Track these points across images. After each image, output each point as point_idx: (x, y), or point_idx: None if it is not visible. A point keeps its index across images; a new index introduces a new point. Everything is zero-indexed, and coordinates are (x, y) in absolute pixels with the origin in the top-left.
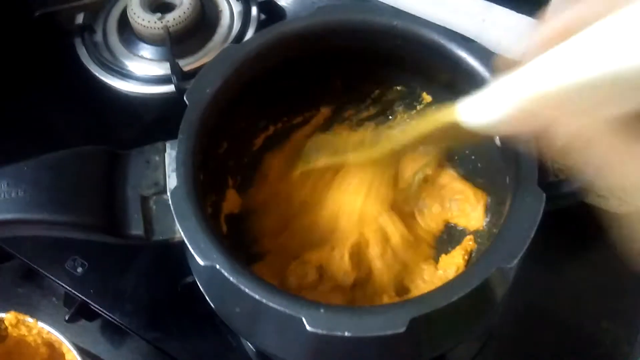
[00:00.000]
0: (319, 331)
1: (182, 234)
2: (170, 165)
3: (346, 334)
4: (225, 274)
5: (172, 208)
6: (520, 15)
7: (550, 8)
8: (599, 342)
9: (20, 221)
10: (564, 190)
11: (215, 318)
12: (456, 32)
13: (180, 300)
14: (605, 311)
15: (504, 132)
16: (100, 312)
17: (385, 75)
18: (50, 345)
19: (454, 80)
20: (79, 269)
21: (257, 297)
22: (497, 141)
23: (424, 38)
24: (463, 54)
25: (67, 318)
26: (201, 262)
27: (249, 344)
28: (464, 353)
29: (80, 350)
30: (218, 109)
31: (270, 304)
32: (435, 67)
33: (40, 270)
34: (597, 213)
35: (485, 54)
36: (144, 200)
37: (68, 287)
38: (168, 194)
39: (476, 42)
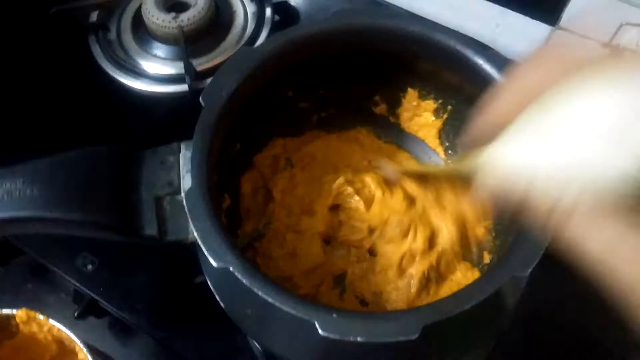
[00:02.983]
0: (332, 336)
1: (195, 235)
2: (184, 166)
3: (359, 339)
4: (239, 276)
5: (186, 209)
6: (534, 21)
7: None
8: (608, 351)
9: (35, 219)
10: None
11: (224, 319)
12: (473, 39)
13: (190, 300)
14: (614, 320)
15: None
16: (109, 309)
17: (396, 79)
18: (60, 343)
19: (467, 87)
20: (89, 266)
21: (270, 300)
22: None
23: (441, 44)
24: (480, 61)
25: (76, 315)
26: (214, 264)
27: (257, 345)
28: None
29: (90, 348)
30: (234, 111)
31: (283, 308)
32: (450, 73)
33: (50, 266)
34: None
35: (503, 63)
36: (158, 200)
37: (78, 284)
38: (182, 194)
39: (493, 49)
